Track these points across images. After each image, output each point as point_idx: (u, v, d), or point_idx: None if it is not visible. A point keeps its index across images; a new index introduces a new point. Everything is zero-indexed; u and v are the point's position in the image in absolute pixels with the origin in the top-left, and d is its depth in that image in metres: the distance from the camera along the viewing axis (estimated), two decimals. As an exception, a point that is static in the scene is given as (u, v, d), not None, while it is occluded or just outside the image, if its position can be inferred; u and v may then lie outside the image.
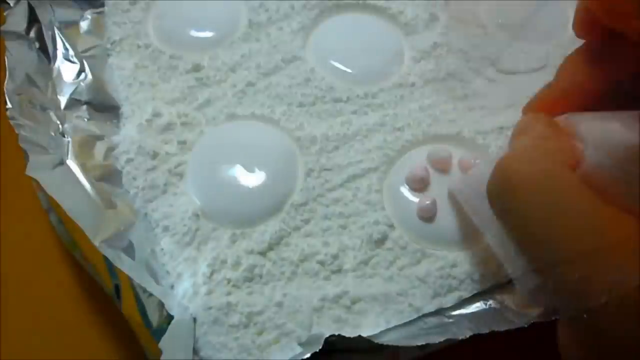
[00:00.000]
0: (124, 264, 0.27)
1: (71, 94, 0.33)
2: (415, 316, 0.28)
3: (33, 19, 0.35)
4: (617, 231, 0.19)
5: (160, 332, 0.26)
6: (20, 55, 0.34)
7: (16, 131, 0.30)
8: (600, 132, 0.22)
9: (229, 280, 0.28)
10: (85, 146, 0.31)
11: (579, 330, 0.20)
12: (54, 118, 0.32)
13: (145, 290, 0.27)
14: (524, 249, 0.21)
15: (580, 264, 0.19)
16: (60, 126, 0.32)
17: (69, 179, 0.30)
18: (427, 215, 0.30)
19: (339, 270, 0.29)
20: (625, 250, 0.18)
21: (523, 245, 0.21)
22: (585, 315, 0.19)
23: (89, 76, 0.34)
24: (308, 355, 0.24)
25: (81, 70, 0.34)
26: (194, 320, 0.27)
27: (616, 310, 0.18)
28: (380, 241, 0.29)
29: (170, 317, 0.26)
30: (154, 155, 0.31)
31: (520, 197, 0.21)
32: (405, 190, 0.31)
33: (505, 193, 0.22)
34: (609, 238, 0.19)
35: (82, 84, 0.34)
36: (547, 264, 0.20)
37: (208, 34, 0.36)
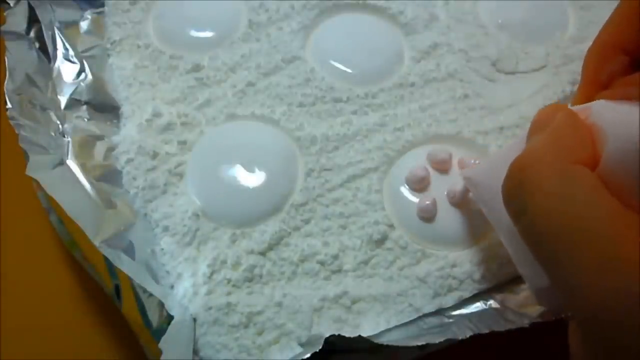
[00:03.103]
0: (124, 264, 0.27)
1: (71, 94, 0.33)
2: (415, 316, 0.28)
3: (33, 19, 0.35)
4: (633, 238, 0.18)
5: (160, 332, 0.26)
6: (20, 55, 0.34)
7: (16, 131, 0.30)
8: (623, 126, 0.20)
9: (229, 280, 0.28)
10: (85, 146, 0.32)
11: (588, 335, 0.19)
12: (54, 118, 0.32)
13: (145, 290, 0.27)
14: (536, 254, 0.20)
15: (593, 271, 0.18)
16: (60, 126, 0.32)
17: (69, 179, 0.30)
18: (427, 215, 0.30)
19: (339, 270, 0.29)
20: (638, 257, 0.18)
21: (535, 249, 0.20)
22: (594, 321, 0.18)
23: (89, 76, 0.34)
24: (308, 355, 0.24)
25: (81, 70, 0.34)
26: (194, 320, 0.27)
27: (627, 317, 0.17)
28: (380, 241, 0.29)
29: (170, 317, 0.26)
30: (154, 155, 0.31)
31: (534, 202, 0.20)
32: (405, 190, 0.31)
33: (519, 196, 0.20)
34: (623, 246, 0.18)
35: (82, 84, 0.34)
36: (560, 269, 0.19)
37: (208, 34, 0.36)
